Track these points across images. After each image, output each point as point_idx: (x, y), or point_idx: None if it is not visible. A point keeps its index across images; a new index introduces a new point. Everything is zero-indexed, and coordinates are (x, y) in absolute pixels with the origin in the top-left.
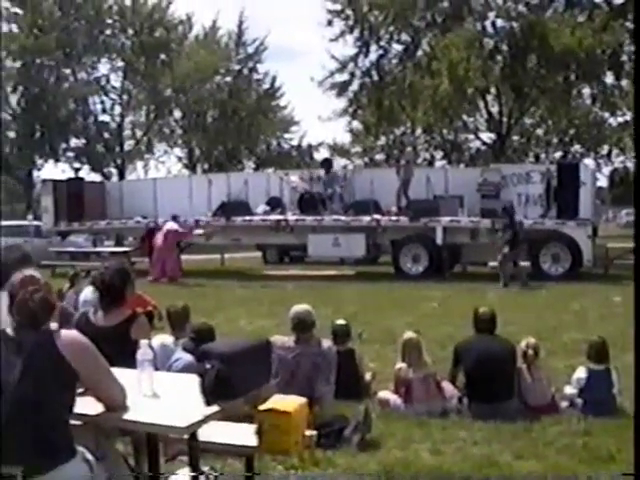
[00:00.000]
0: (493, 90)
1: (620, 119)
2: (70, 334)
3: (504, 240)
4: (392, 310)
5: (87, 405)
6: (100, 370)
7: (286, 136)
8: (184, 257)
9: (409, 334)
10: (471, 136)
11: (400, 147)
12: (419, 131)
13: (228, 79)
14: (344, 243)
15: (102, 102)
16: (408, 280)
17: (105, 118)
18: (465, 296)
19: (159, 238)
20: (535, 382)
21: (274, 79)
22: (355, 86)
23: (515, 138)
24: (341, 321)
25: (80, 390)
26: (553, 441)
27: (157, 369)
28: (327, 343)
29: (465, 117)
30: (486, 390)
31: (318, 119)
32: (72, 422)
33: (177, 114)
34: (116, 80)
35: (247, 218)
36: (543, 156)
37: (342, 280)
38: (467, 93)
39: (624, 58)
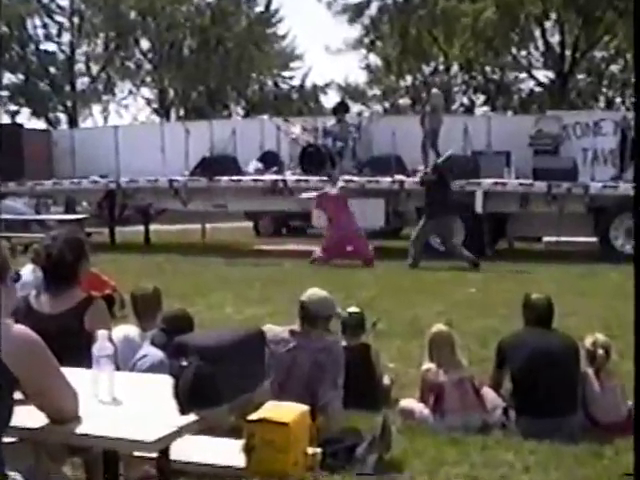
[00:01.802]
0: (553, 15)
1: None
2: (6, 327)
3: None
4: (418, 296)
5: (26, 416)
6: (48, 372)
7: (285, 74)
8: (154, 227)
9: (439, 327)
10: (523, 75)
11: (430, 89)
12: (455, 68)
13: None
14: (358, 211)
15: (45, 26)
16: (438, 258)
17: (50, 47)
18: (512, 279)
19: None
20: (605, 392)
21: None
22: (373, 9)
23: (581, 77)
24: (353, 309)
25: (19, 397)
26: (630, 470)
27: (118, 368)
28: (332, 336)
29: (515, 50)
30: (540, 400)
31: (325, 51)
32: (5, 439)
33: (144, 44)
34: None
35: (235, 178)
36: (618, 100)
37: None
38: (519, 19)
39: None
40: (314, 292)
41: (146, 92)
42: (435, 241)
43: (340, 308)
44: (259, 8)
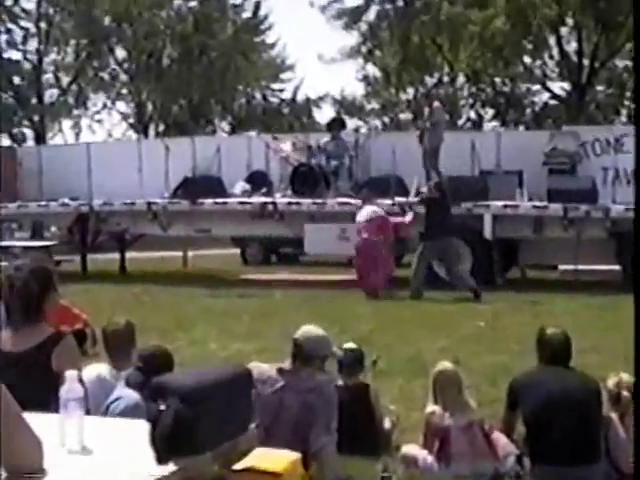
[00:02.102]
0: (569, 20)
1: None
2: None
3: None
4: (421, 330)
5: None
6: (7, 418)
7: (274, 86)
8: (130, 255)
9: (445, 364)
10: (536, 86)
11: (431, 103)
12: (461, 80)
13: (193, 3)
14: (354, 236)
15: (9, 31)
16: (444, 288)
17: (14, 55)
18: (525, 311)
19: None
20: (632, 438)
21: (258, 4)
22: (371, 14)
23: (600, 88)
24: (350, 345)
25: None
26: None
27: (89, 412)
28: (324, 375)
29: (528, 60)
30: (558, 447)
31: (319, 61)
32: None
33: (120, 53)
34: (30, 0)
35: (219, 201)
36: None
37: (351, 287)
38: (531, 26)
39: None
40: (309, 330)
41: (122, 106)
42: (441, 269)
43: (335, 345)
44: (246, 14)
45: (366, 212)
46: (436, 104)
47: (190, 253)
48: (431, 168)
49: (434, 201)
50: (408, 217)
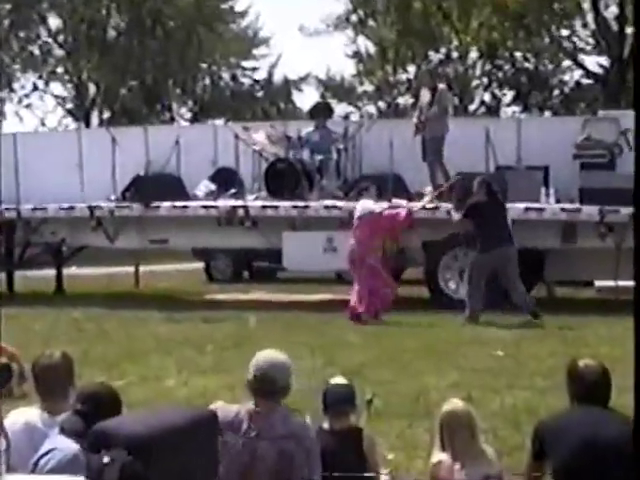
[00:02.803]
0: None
1: None
2: None
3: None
4: (425, 361)
5: None
6: None
7: (246, 64)
8: (68, 271)
9: (455, 403)
10: (566, 62)
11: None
12: (473, 55)
13: None
14: (343, 247)
15: None
16: (453, 310)
17: None
18: (553, 338)
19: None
20: None
21: None
22: None
23: None
24: (338, 379)
25: None
26: None
27: (13, 469)
28: (304, 418)
29: (555, 29)
30: None
31: (300, 33)
32: None
33: (53, 22)
34: None
35: (179, 204)
36: None
37: (340, 310)
38: None
39: None
40: (264, 355)
41: (57, 88)
42: (451, 288)
43: (320, 379)
44: None
45: (360, 208)
46: (441, 85)
47: (143, 269)
48: (434, 164)
49: (484, 206)
50: (402, 212)
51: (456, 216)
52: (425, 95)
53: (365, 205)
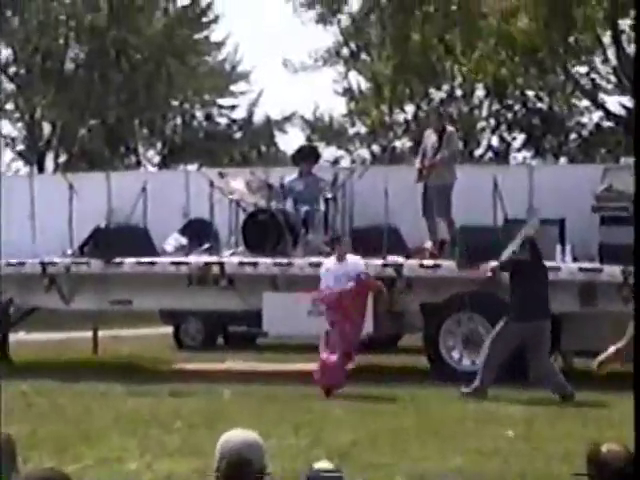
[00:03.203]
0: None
1: None
2: None
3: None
4: (426, 442)
5: None
6: None
7: (223, 102)
8: (16, 337)
9: None
10: (584, 102)
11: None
12: (480, 93)
13: None
14: None
15: None
16: (456, 383)
17: None
18: (570, 417)
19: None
20: None
21: None
22: (356, 3)
23: None
24: (324, 464)
25: None
26: None
27: None
28: None
29: (572, 65)
30: None
31: (284, 68)
32: None
33: (4, 52)
34: None
35: (145, 260)
36: None
37: None
38: (575, 17)
39: None
40: (234, 435)
41: (6, 126)
42: (454, 357)
43: (304, 462)
44: (182, 0)
45: (338, 272)
46: (450, 128)
47: (102, 334)
48: (441, 216)
49: (525, 265)
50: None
51: (489, 266)
52: (431, 137)
53: (333, 272)
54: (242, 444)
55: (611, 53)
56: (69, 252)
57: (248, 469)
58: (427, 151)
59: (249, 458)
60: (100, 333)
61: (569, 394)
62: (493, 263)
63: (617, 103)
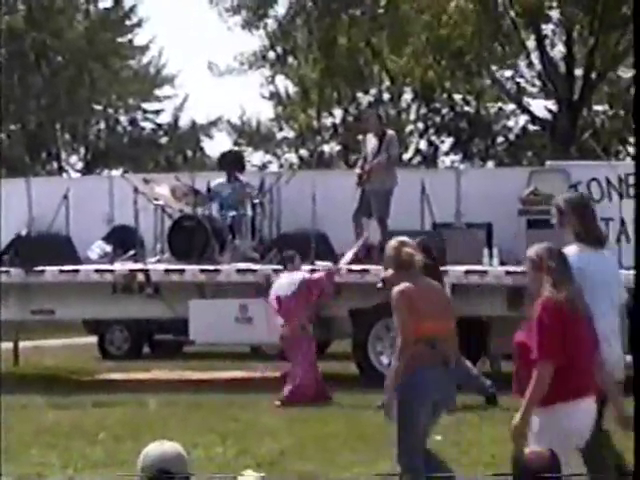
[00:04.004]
0: (554, 13)
1: None
2: None
3: None
4: (355, 449)
5: None
6: None
7: (147, 106)
8: None
9: None
10: (510, 106)
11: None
12: (407, 97)
13: None
14: (259, 317)
15: None
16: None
17: None
18: (498, 421)
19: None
20: None
21: None
22: (281, 6)
23: (599, 108)
24: (250, 474)
25: None
26: None
27: None
28: None
29: (497, 68)
30: None
31: (210, 72)
32: None
33: None
34: None
35: (68, 269)
36: None
37: (255, 389)
38: (500, 20)
39: None
40: (153, 449)
41: None
42: (383, 362)
43: (231, 472)
44: (104, 3)
45: (287, 281)
46: (390, 131)
47: (23, 344)
48: (378, 221)
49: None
50: (321, 275)
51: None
52: (371, 141)
53: (283, 284)
54: (161, 457)
55: (535, 57)
56: None
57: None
58: (368, 155)
59: (170, 471)
60: (21, 344)
61: (492, 395)
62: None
63: (542, 107)
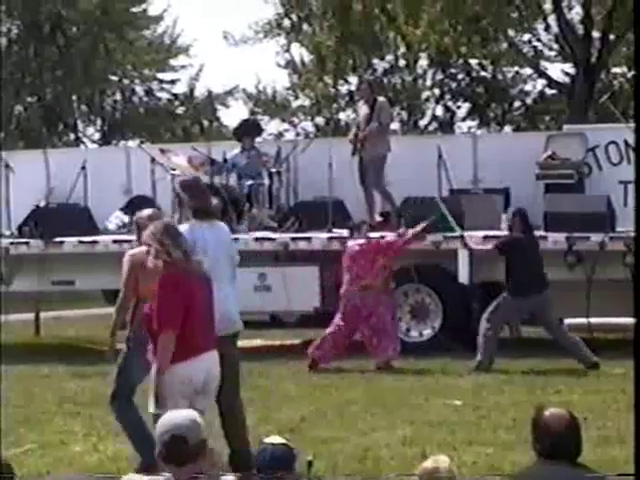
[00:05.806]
0: None
1: None
2: None
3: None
4: (374, 415)
5: None
6: None
7: (163, 76)
8: None
9: (438, 461)
10: (527, 70)
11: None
12: (423, 62)
13: None
14: (278, 285)
15: None
16: (405, 355)
17: None
18: (518, 385)
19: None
20: None
21: None
22: None
23: (617, 70)
24: (274, 439)
25: None
26: None
27: None
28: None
29: (514, 33)
30: None
31: (225, 41)
32: None
33: None
34: None
35: (87, 239)
36: None
37: (275, 357)
38: None
39: None
40: (167, 418)
41: None
42: (402, 329)
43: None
44: None
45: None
46: (381, 98)
47: (44, 315)
48: (374, 188)
49: (518, 242)
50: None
51: (477, 245)
52: (363, 109)
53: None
54: (175, 424)
55: (552, 20)
56: (7, 233)
57: (183, 447)
58: (360, 123)
59: (183, 436)
60: (42, 315)
61: (593, 363)
62: (480, 244)
63: (560, 71)
